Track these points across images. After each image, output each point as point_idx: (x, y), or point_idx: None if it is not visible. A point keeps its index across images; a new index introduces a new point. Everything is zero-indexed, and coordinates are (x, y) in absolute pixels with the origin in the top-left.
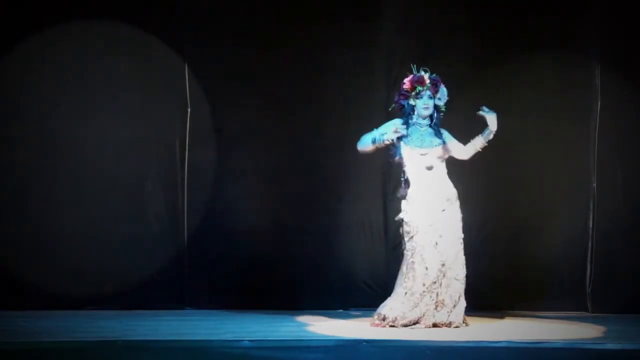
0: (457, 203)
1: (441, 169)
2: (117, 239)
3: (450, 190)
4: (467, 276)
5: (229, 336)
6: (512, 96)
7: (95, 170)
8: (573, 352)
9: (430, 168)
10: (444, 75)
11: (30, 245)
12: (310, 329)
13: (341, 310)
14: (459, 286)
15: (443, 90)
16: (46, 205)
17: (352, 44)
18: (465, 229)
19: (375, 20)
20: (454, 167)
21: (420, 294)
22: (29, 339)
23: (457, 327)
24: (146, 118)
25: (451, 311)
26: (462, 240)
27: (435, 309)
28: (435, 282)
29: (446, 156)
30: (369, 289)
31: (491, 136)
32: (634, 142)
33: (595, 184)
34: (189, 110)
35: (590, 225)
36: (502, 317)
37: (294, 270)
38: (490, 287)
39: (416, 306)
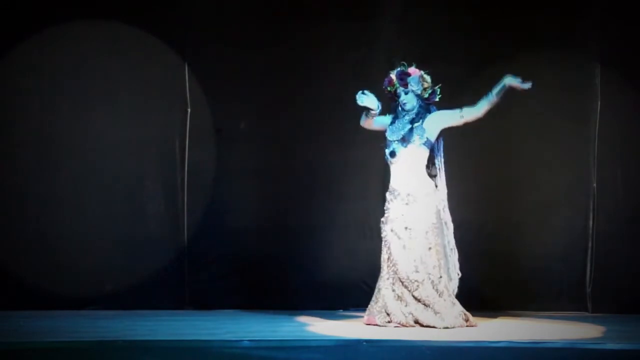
0: (426, 199)
1: (409, 162)
2: (117, 239)
3: (413, 186)
4: (462, 278)
5: (229, 336)
6: (512, 96)
7: (95, 170)
8: (573, 352)
9: (392, 158)
10: (444, 75)
11: (30, 245)
12: (310, 329)
13: (341, 310)
14: (428, 286)
15: (414, 79)
16: (46, 205)
17: (352, 44)
18: (466, 229)
19: (375, 20)
20: (455, 168)
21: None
22: (29, 339)
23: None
24: (146, 118)
25: (438, 313)
26: (434, 239)
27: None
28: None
29: (419, 153)
30: (368, 289)
31: (502, 91)
32: (634, 142)
33: (595, 184)
34: (189, 110)
35: (590, 225)
36: (502, 317)
37: (294, 270)
38: (490, 287)
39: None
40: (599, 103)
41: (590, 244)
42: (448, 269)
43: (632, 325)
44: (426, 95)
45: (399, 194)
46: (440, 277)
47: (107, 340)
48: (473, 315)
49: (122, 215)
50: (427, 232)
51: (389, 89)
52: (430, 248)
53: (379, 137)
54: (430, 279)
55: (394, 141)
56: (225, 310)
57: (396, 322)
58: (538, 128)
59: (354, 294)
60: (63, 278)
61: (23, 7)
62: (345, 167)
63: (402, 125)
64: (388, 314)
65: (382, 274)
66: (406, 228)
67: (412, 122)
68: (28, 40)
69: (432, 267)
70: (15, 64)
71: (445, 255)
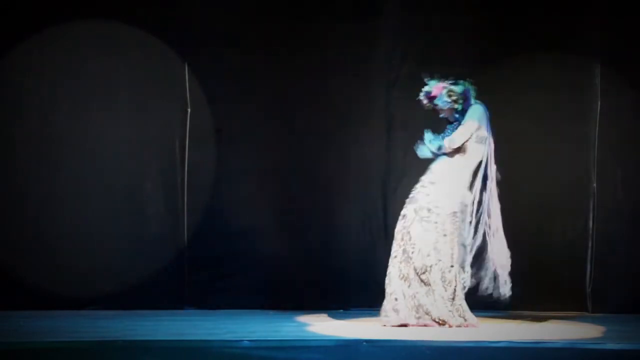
0: (452, 187)
1: (440, 162)
2: (117, 239)
3: (445, 170)
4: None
5: (229, 336)
6: (512, 96)
7: (95, 170)
8: (573, 352)
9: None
10: (444, 75)
11: (30, 245)
12: (310, 329)
13: (341, 310)
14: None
15: (440, 100)
16: (46, 205)
17: (352, 44)
18: None
19: (375, 20)
20: None
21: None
22: (29, 339)
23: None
24: (146, 118)
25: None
26: (450, 228)
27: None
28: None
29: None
30: (369, 289)
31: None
32: (634, 142)
33: (595, 184)
34: (189, 110)
35: (590, 225)
36: (502, 317)
37: (294, 270)
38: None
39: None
40: (599, 103)
41: (590, 244)
42: (463, 260)
43: (632, 325)
44: (459, 107)
45: (431, 172)
46: (452, 266)
47: (107, 340)
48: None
49: (122, 215)
50: (445, 221)
51: (427, 107)
52: (445, 235)
53: (380, 137)
54: (439, 266)
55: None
56: (225, 310)
57: (401, 320)
58: (538, 128)
59: (354, 294)
60: (63, 278)
61: (23, 7)
62: (346, 167)
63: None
64: (397, 311)
65: (392, 254)
66: (429, 210)
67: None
68: (28, 40)
69: (444, 255)
70: (15, 64)
71: (461, 247)
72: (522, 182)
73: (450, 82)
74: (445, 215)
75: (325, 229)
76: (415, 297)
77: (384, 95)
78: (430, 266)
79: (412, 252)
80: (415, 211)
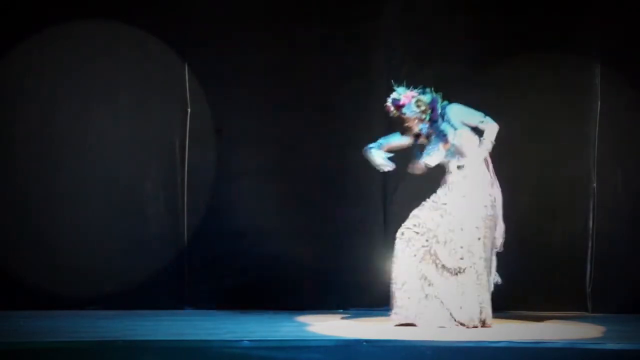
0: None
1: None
2: (117, 239)
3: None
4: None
5: (229, 336)
6: (512, 96)
7: (95, 170)
8: (573, 352)
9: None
10: (444, 75)
11: (31, 245)
12: (310, 329)
13: (341, 310)
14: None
15: (409, 109)
16: (46, 205)
17: (352, 44)
18: None
19: (375, 20)
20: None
21: None
22: (29, 339)
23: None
24: (146, 118)
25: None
26: (483, 232)
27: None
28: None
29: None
30: (369, 289)
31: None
32: (634, 142)
33: (595, 184)
34: (189, 110)
35: (590, 225)
36: (502, 317)
37: (294, 270)
38: None
39: None
40: (599, 103)
41: (590, 244)
42: (492, 264)
43: (632, 325)
44: (426, 118)
45: (453, 184)
46: (485, 269)
47: (107, 340)
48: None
49: (122, 216)
50: (478, 225)
51: (391, 115)
52: (479, 238)
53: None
54: (474, 269)
55: (448, 161)
56: (225, 310)
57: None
58: (538, 128)
59: (354, 294)
60: (63, 278)
61: (23, 7)
62: (346, 167)
63: (434, 146)
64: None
65: (406, 252)
66: (460, 216)
67: (437, 139)
68: (28, 40)
69: (479, 258)
70: (15, 64)
71: (493, 249)
72: (522, 182)
73: (419, 91)
74: (476, 218)
75: (325, 229)
76: (437, 297)
77: (384, 95)
78: (464, 269)
79: (441, 253)
80: (442, 216)
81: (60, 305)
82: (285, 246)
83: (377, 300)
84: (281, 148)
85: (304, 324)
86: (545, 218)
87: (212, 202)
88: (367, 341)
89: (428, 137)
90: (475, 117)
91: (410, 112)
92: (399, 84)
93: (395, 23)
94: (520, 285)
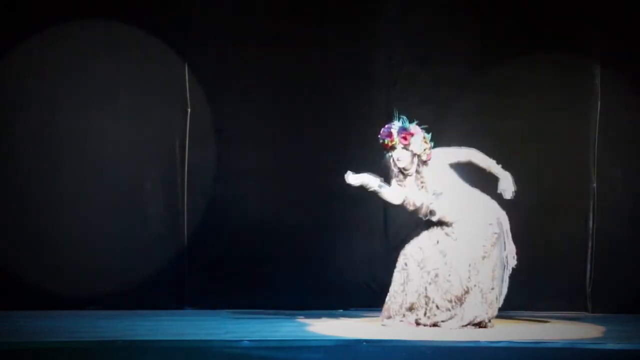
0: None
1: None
2: (117, 239)
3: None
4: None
5: (229, 336)
6: (512, 96)
7: (95, 170)
8: (573, 352)
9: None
10: (444, 75)
11: (31, 245)
12: (310, 329)
13: (341, 310)
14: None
15: (417, 140)
16: (46, 205)
17: (352, 44)
18: None
19: (375, 20)
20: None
21: None
22: (29, 339)
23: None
24: (146, 118)
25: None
26: (490, 249)
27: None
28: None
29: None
30: (369, 289)
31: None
32: (634, 142)
33: (595, 184)
34: (189, 110)
35: (590, 225)
36: (502, 317)
37: (294, 270)
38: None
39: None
40: (599, 103)
41: (590, 244)
42: (504, 284)
43: (632, 325)
44: (424, 158)
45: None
46: (492, 288)
47: (107, 340)
48: None
49: (122, 215)
50: (484, 244)
51: (385, 142)
52: (484, 257)
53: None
54: (479, 287)
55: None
56: (225, 310)
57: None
58: (538, 128)
59: (354, 294)
60: (63, 278)
61: (23, 7)
62: (346, 168)
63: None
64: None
65: (417, 272)
66: (466, 231)
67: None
68: (28, 40)
69: (484, 276)
70: (15, 64)
71: (501, 265)
72: (522, 182)
73: (423, 128)
74: (483, 237)
75: (325, 229)
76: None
77: (384, 95)
78: (470, 288)
79: (450, 276)
80: (447, 234)
81: (60, 305)
82: (285, 246)
83: (377, 300)
84: (281, 148)
85: (304, 324)
86: (545, 218)
87: (212, 202)
88: (367, 341)
89: (395, 165)
90: (454, 154)
91: (417, 146)
92: (400, 117)
93: (396, 23)
94: (521, 285)
